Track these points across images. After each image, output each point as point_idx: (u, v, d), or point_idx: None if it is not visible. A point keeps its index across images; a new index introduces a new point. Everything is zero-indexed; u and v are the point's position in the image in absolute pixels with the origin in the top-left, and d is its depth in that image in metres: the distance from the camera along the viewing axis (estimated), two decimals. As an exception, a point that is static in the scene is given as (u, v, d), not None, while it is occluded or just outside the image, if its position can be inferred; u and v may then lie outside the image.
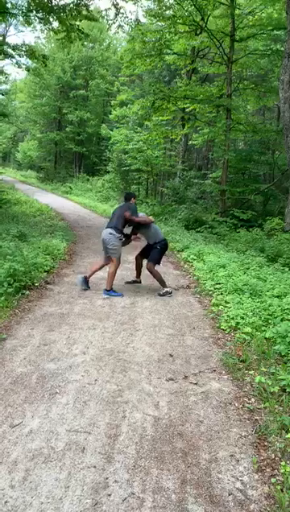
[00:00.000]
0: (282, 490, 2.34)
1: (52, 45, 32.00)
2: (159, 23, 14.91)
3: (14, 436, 2.67)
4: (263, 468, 2.55)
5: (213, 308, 5.52)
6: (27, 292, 5.66)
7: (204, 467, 2.53)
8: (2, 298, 5.07)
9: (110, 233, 6.01)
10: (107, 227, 6.13)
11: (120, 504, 2.18)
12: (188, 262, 8.47)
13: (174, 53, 16.18)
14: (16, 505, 2.12)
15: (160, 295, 6.17)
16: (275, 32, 12.89)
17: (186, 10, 14.28)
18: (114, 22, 12.96)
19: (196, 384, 3.55)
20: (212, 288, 6.30)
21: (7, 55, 13.51)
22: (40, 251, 7.42)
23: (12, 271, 5.53)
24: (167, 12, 14.28)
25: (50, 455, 2.52)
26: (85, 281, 6.22)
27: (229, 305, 5.39)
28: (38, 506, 2.12)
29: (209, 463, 2.57)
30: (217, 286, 6.29)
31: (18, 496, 2.18)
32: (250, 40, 14.11)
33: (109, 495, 2.23)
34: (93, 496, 2.22)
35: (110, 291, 6.06)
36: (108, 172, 26.10)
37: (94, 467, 2.44)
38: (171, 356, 4.09)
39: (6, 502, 2.14)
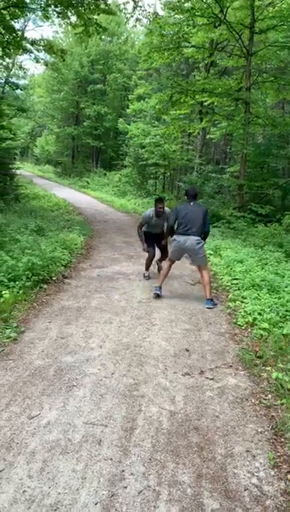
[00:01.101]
0: (298, 487, 2.32)
1: (70, 39, 32.02)
2: (178, 16, 14.75)
3: (31, 428, 2.71)
4: (280, 464, 2.54)
5: (229, 304, 5.50)
6: (45, 286, 5.73)
7: (219, 462, 2.53)
8: (21, 291, 5.14)
9: (198, 242, 5.57)
10: (190, 234, 5.56)
11: (136, 496, 2.20)
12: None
13: (192, 46, 16.01)
14: (34, 495, 2.16)
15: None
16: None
17: (205, 2, 14.09)
18: (132, 16, 12.94)
19: (212, 379, 3.54)
20: (229, 283, 6.27)
21: (26, 50, 13.56)
22: (58, 245, 7.48)
23: (30, 265, 5.60)
24: (186, 4, 14.11)
25: (67, 446, 2.55)
26: (160, 290, 5.86)
27: (246, 301, 5.35)
28: (55, 496, 2.16)
29: (224, 458, 2.57)
30: (235, 281, 6.25)
31: (36, 486, 2.22)
32: (270, 32, 13.83)
33: (125, 487, 2.26)
34: (110, 488, 2.25)
35: (212, 300, 5.59)
36: (125, 167, 26.08)
37: (111, 459, 2.47)
38: (187, 351, 4.09)
39: (24, 492, 2.18)
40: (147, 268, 6.90)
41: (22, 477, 2.28)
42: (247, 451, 2.65)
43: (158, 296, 5.76)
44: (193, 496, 2.24)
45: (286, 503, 2.24)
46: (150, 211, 6.67)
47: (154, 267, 7.08)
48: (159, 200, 6.53)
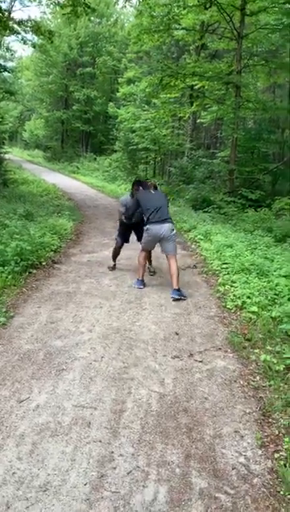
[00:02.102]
0: (285, 465, 2.36)
1: (58, 21, 31.32)
2: (168, -3, 14.51)
3: (21, 411, 2.72)
4: (267, 444, 2.58)
5: (219, 288, 5.52)
6: (34, 271, 5.70)
7: (208, 442, 2.56)
8: (10, 276, 5.10)
9: (172, 229, 5.50)
10: (164, 222, 5.44)
11: (125, 477, 2.22)
12: (196, 242, 8.43)
13: (182, 28, 15.78)
14: (23, 477, 2.17)
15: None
16: (287, 6, 12.48)
17: (195, -17, 13.87)
18: (122, -4, 12.63)
19: (201, 362, 3.57)
20: (219, 268, 6.28)
21: (13, 31, 13.26)
22: (47, 231, 7.42)
23: (19, 250, 5.56)
24: (176, -15, 13.87)
25: (56, 429, 2.56)
26: (142, 281, 5.65)
27: (235, 285, 5.38)
28: (45, 478, 2.17)
29: (213, 438, 2.60)
30: (224, 265, 6.26)
31: (26, 468, 2.23)
32: (262, 14, 13.64)
33: (115, 468, 2.28)
34: (99, 469, 2.26)
35: (180, 290, 5.25)
36: (115, 151, 25.84)
37: (100, 441, 2.48)
38: (176, 334, 4.11)
39: (13, 473, 2.19)
40: (114, 258, 6.43)
41: (12, 459, 2.29)
42: (235, 431, 2.68)
43: (143, 286, 5.60)
44: (182, 475, 2.27)
45: (273, 481, 2.28)
46: (126, 196, 6.22)
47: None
48: (137, 182, 6.00)
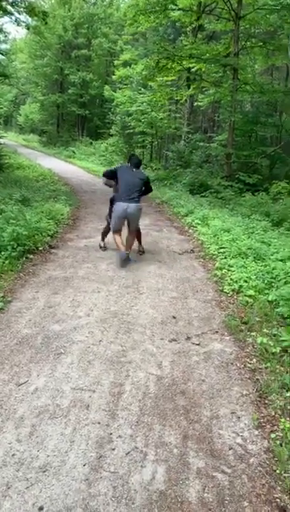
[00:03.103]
0: (281, 445, 2.40)
1: (52, 1, 30.73)
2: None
3: (20, 394, 2.74)
4: (263, 424, 2.62)
5: (216, 272, 5.53)
6: (31, 256, 5.68)
7: (205, 423, 2.59)
8: (7, 261, 5.09)
9: (139, 208, 5.75)
10: (131, 202, 5.64)
11: (123, 457, 2.25)
12: (193, 226, 8.42)
13: (179, 9, 15.49)
14: (23, 458, 2.20)
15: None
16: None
17: None
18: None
19: (198, 345, 3.60)
20: (216, 252, 6.29)
21: (6, 12, 12.98)
22: (43, 216, 7.38)
23: (15, 235, 5.53)
24: None
25: (55, 411, 2.59)
26: (128, 257, 5.79)
27: (232, 269, 5.39)
28: (44, 459, 2.20)
29: (210, 420, 2.63)
30: (221, 250, 6.27)
31: (25, 449, 2.26)
32: (259, -6, 13.43)
33: (113, 449, 2.31)
34: (98, 450, 2.29)
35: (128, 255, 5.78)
36: (111, 135, 25.62)
37: (98, 423, 2.51)
38: (174, 318, 4.13)
39: (13, 455, 2.22)
40: (103, 238, 6.58)
41: (11, 441, 2.31)
42: (232, 412, 2.72)
43: (127, 260, 5.73)
44: (179, 456, 2.31)
45: (269, 460, 2.32)
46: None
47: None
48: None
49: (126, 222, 5.92)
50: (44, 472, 2.11)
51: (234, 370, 3.22)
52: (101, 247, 6.52)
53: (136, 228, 6.03)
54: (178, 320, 4.08)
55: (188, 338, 3.70)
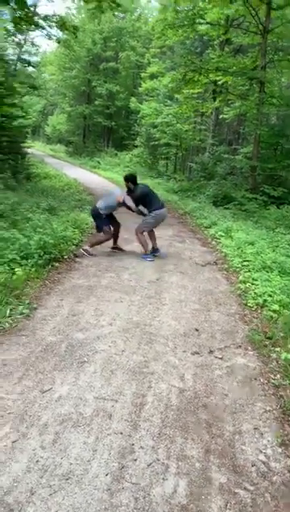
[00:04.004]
0: (305, 464, 2.36)
1: (83, 16, 31.43)
2: (193, -9, 14.39)
3: (44, 401, 2.78)
4: (287, 442, 2.58)
5: (240, 285, 5.50)
6: (57, 264, 5.77)
7: (228, 438, 2.57)
8: (33, 269, 5.18)
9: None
10: (164, 207, 6.94)
11: (145, 469, 2.26)
12: (216, 238, 8.40)
13: (207, 23, 15.62)
14: (47, 465, 2.23)
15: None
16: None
17: (221, -23, 13.70)
18: (147, -10, 12.56)
19: (221, 358, 3.58)
20: (239, 265, 6.25)
21: (38, 26, 13.32)
22: (69, 225, 7.50)
23: (42, 244, 5.64)
24: (202, -21, 13.75)
25: (78, 420, 2.61)
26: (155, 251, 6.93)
27: (256, 282, 5.35)
28: (67, 467, 2.22)
29: (232, 435, 2.61)
30: (245, 263, 6.23)
31: (49, 456, 2.29)
32: (288, 8, 13.42)
33: (135, 460, 2.31)
34: (120, 460, 2.30)
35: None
36: (136, 147, 25.89)
37: (121, 433, 2.52)
38: (196, 330, 4.12)
39: (37, 461, 2.25)
40: (116, 242, 7.14)
41: (36, 448, 2.35)
42: (255, 428, 2.69)
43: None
44: (202, 470, 2.29)
45: (292, 479, 2.28)
46: (123, 192, 6.95)
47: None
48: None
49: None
50: (67, 480, 2.13)
51: (257, 386, 3.19)
52: (90, 254, 6.62)
53: None
54: (201, 333, 4.07)
55: (211, 351, 3.69)
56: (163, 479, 2.20)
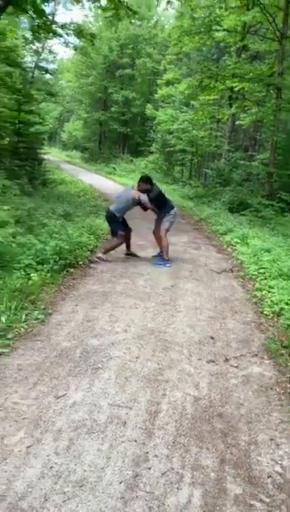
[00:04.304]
0: None
1: (100, 23, 31.81)
2: (210, -2, 14.45)
3: (58, 407, 2.78)
4: (304, 454, 2.53)
5: (256, 293, 5.45)
6: (72, 270, 5.80)
7: (243, 448, 2.54)
8: (48, 275, 5.22)
9: None
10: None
11: (160, 478, 2.23)
12: (232, 245, 8.35)
13: (224, 30, 15.66)
14: (60, 471, 2.22)
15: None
16: None
17: (238, -16, 13.74)
18: (164, -2, 12.63)
19: (237, 367, 3.54)
20: (255, 272, 6.20)
21: (56, 34, 13.53)
22: (84, 231, 7.55)
23: (58, 249, 5.68)
24: (219, -14, 13.80)
25: (92, 426, 2.61)
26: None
27: (273, 290, 5.29)
28: (81, 473, 2.22)
29: (248, 445, 2.58)
30: (261, 270, 6.18)
31: (63, 463, 2.29)
32: (306, 14, 13.38)
33: (149, 468, 2.29)
34: (134, 468, 2.29)
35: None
36: (151, 153, 25.97)
37: (135, 441, 2.51)
38: (212, 338, 4.09)
39: (51, 467, 2.24)
40: (129, 247, 7.20)
41: (50, 454, 2.35)
42: (271, 439, 2.65)
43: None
44: (217, 480, 2.26)
45: (310, 492, 2.23)
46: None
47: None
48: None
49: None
50: (81, 487, 2.13)
51: (273, 395, 3.15)
52: (104, 260, 6.64)
53: None
54: (216, 341, 4.04)
55: (227, 360, 3.65)
56: (177, 488, 2.18)
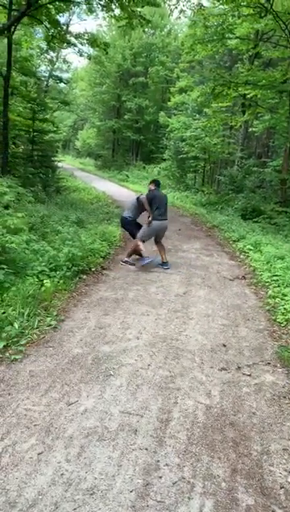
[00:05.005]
0: None
1: (113, 32, 32.12)
2: (222, 7, 14.47)
3: (70, 414, 2.78)
4: (318, 465, 2.49)
5: (269, 300, 5.40)
6: (84, 277, 5.83)
7: (255, 458, 2.51)
8: (61, 281, 5.25)
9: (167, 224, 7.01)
10: (165, 219, 6.90)
11: (170, 487, 2.22)
12: (244, 252, 8.30)
13: (236, 37, 15.67)
14: (71, 479, 2.22)
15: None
16: None
17: (251, -8, 13.75)
18: (177, 7, 12.75)
19: (249, 375, 3.51)
20: (269, 280, 6.15)
21: (70, 44, 13.73)
22: (97, 237, 7.59)
23: (71, 256, 5.71)
24: (231, -6, 13.82)
25: (103, 434, 2.60)
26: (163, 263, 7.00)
27: (286, 298, 5.24)
28: (92, 481, 2.21)
29: (260, 455, 2.54)
30: (275, 278, 6.12)
31: (74, 470, 2.29)
32: None
33: (160, 477, 2.28)
34: (145, 477, 2.28)
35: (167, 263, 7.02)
36: (164, 160, 25.99)
37: (146, 449, 2.50)
38: (224, 346, 4.06)
39: (62, 475, 2.25)
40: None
41: (61, 461, 2.35)
42: (284, 449, 2.61)
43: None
44: (228, 490, 2.24)
45: None
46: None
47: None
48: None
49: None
50: (92, 494, 2.12)
51: (286, 404, 3.10)
52: (131, 263, 6.93)
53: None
54: (228, 349, 4.01)
55: (239, 368, 3.62)
56: (188, 498, 2.16)
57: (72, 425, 2.67)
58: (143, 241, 6.91)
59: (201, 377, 3.42)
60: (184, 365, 3.59)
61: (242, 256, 8.19)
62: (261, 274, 6.51)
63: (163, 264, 6.96)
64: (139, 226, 7.13)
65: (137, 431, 2.65)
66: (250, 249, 8.20)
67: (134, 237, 7.13)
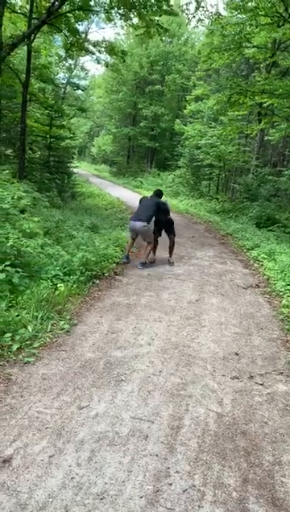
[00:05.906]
0: None
1: (131, 41, 32.43)
2: (240, 16, 14.54)
3: (81, 418, 2.79)
4: None
5: (283, 310, 5.35)
6: (97, 281, 5.86)
7: (267, 468, 2.48)
8: (75, 285, 5.29)
9: (144, 226, 7.18)
10: (137, 220, 7.25)
11: (181, 494, 2.21)
12: (258, 261, 8.24)
13: (253, 46, 15.69)
14: (81, 483, 2.22)
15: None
16: None
17: (269, 1, 13.77)
18: (194, 16, 12.79)
19: (261, 385, 3.47)
20: (283, 289, 6.10)
21: (88, 52, 13.92)
22: (111, 243, 7.62)
23: (84, 261, 5.75)
24: (249, 4, 13.87)
25: (114, 439, 2.60)
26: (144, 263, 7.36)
27: (300, 307, 5.19)
28: (102, 486, 2.21)
29: (272, 465, 2.52)
30: (289, 287, 6.07)
31: (84, 474, 2.29)
32: None
33: (171, 484, 2.27)
34: (155, 483, 2.27)
35: (146, 263, 7.40)
36: (179, 167, 26.04)
37: (156, 455, 2.49)
38: (236, 354, 4.04)
39: (72, 478, 2.25)
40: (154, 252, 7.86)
41: (71, 464, 2.36)
42: (296, 460, 2.58)
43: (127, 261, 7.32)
44: (239, 500, 2.22)
45: None
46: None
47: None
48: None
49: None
50: (102, 499, 2.12)
51: (299, 415, 3.07)
52: (151, 262, 7.59)
53: (150, 238, 7.49)
54: (241, 357, 3.98)
55: (251, 377, 3.59)
56: (198, 506, 2.14)
57: (84, 429, 2.67)
58: (133, 239, 7.57)
59: (213, 385, 3.40)
60: (195, 373, 3.57)
61: (256, 264, 8.14)
62: (275, 283, 6.46)
63: (140, 264, 7.33)
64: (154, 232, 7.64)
65: (148, 437, 2.65)
66: (265, 258, 8.15)
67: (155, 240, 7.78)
